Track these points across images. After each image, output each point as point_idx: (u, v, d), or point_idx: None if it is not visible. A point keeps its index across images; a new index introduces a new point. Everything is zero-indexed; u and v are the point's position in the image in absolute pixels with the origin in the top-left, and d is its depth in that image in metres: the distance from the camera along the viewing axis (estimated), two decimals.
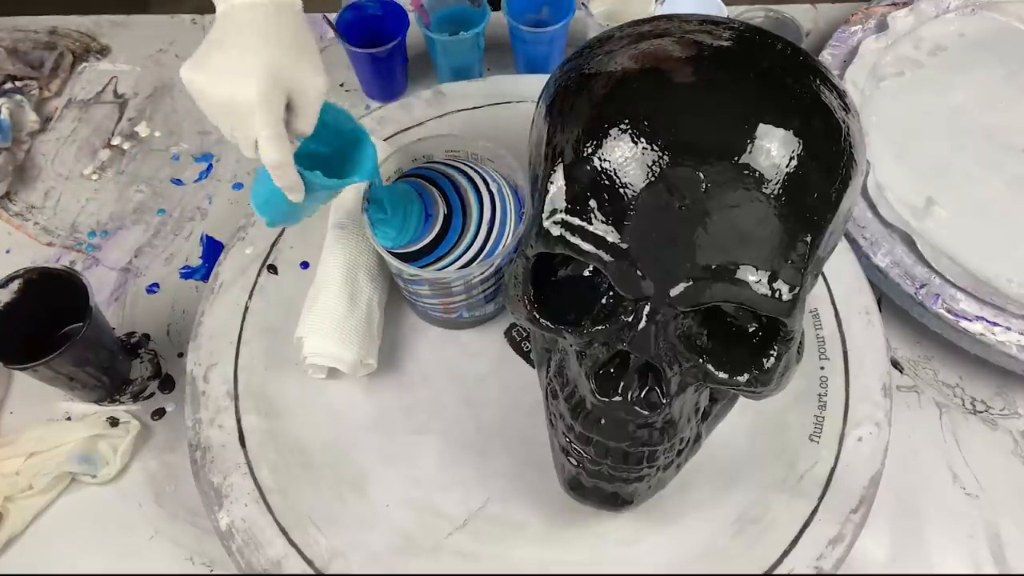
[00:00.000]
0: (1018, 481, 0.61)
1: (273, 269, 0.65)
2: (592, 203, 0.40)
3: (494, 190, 0.58)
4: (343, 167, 0.53)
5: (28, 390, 0.63)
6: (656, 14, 0.61)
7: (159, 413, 0.63)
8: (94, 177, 0.76)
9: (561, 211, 0.42)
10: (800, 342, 0.46)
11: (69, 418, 0.62)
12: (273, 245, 0.66)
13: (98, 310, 0.59)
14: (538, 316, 0.46)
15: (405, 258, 0.55)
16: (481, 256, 0.55)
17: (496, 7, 0.77)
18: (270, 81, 0.43)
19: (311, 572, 0.52)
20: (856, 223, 0.67)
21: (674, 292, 0.40)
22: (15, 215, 0.74)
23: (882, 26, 0.80)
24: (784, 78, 0.41)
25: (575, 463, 0.49)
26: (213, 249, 0.71)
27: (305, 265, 0.65)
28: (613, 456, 0.47)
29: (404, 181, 0.59)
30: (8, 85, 0.82)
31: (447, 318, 0.62)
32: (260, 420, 0.58)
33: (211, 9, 0.46)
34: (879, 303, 0.64)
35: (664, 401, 0.42)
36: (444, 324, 0.63)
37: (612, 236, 0.40)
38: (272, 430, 0.58)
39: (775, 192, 0.39)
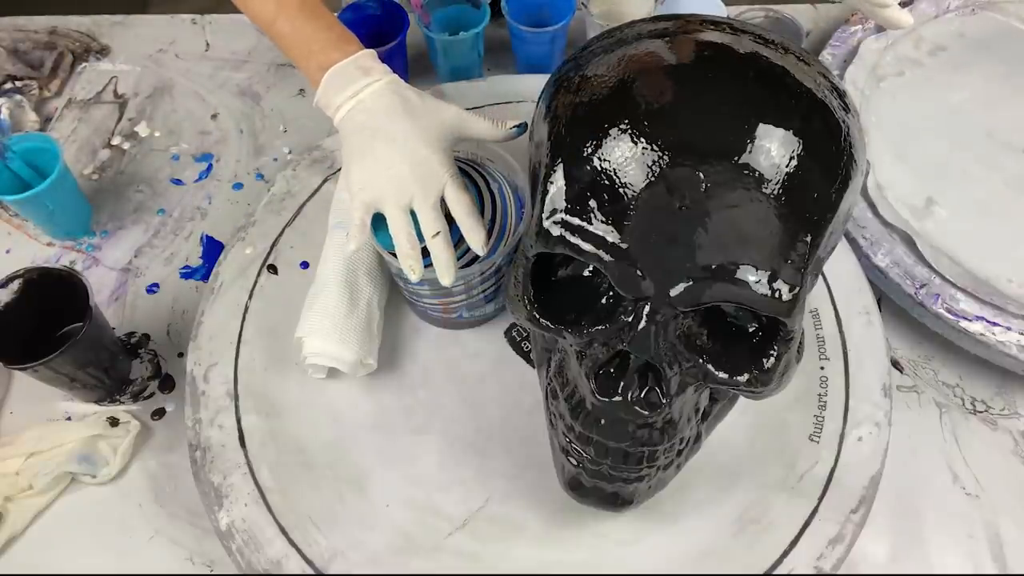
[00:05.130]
0: (1018, 481, 0.61)
1: (273, 269, 0.65)
2: (592, 203, 0.40)
3: (495, 190, 0.58)
4: None
5: (28, 390, 0.63)
6: (656, 14, 0.61)
7: (159, 413, 0.63)
8: (94, 177, 0.76)
9: (561, 211, 0.42)
10: (800, 342, 0.46)
11: (69, 418, 0.62)
12: (273, 245, 0.66)
13: (98, 310, 0.59)
14: (538, 316, 0.46)
15: None
16: (481, 256, 0.55)
17: (497, 14, 0.76)
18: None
19: (311, 572, 0.52)
20: (856, 223, 0.67)
21: (674, 292, 0.40)
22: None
23: (882, 26, 0.80)
24: (784, 78, 0.41)
25: (575, 463, 0.49)
26: (213, 249, 0.71)
27: (305, 265, 0.65)
28: (613, 456, 0.47)
29: None
30: (8, 85, 0.82)
31: (447, 318, 0.62)
32: (260, 420, 0.58)
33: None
34: (879, 303, 0.64)
35: (664, 401, 0.42)
36: (444, 324, 0.63)
37: (612, 236, 0.40)
38: (272, 430, 0.58)
39: (775, 192, 0.39)
